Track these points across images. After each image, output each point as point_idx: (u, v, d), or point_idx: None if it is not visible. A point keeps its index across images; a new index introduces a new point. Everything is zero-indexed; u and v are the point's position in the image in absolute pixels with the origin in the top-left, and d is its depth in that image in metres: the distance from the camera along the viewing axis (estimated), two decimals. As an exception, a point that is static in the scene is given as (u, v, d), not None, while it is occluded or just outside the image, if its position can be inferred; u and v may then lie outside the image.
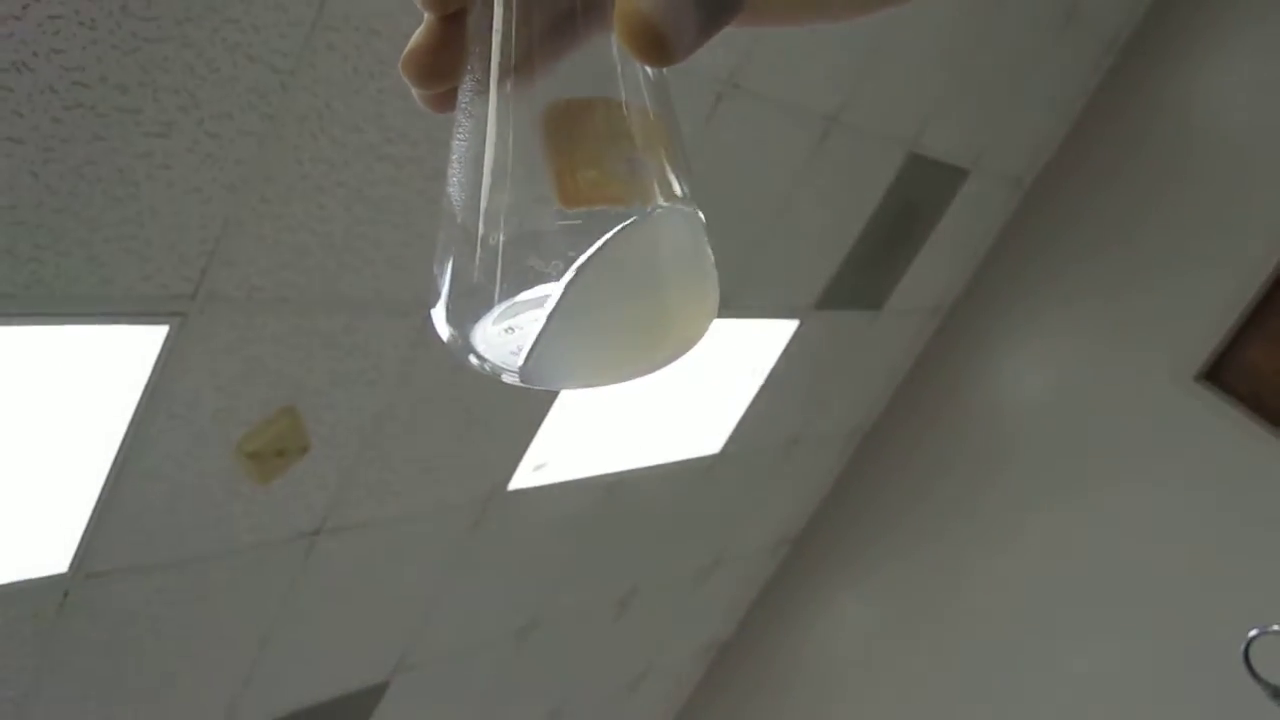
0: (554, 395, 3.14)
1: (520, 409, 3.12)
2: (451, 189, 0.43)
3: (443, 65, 0.43)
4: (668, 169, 0.42)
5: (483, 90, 0.42)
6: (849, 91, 3.37)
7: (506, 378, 0.43)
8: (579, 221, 0.40)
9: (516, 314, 0.41)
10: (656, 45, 0.37)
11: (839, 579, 5.26)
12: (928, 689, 4.97)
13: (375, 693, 3.54)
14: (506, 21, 0.41)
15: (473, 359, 0.44)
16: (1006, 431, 4.83)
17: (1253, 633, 3.23)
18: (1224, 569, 4.32)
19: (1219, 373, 4.43)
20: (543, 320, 0.41)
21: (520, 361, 0.42)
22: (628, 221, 0.41)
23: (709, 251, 0.44)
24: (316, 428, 2.57)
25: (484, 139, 0.42)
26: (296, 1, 1.91)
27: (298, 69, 1.98)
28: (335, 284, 2.36)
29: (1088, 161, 4.66)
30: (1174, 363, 4.45)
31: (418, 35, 0.43)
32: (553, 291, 0.40)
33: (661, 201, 0.42)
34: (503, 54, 0.41)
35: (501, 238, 0.41)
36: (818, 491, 5.25)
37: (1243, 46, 4.41)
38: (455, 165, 0.43)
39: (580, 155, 0.41)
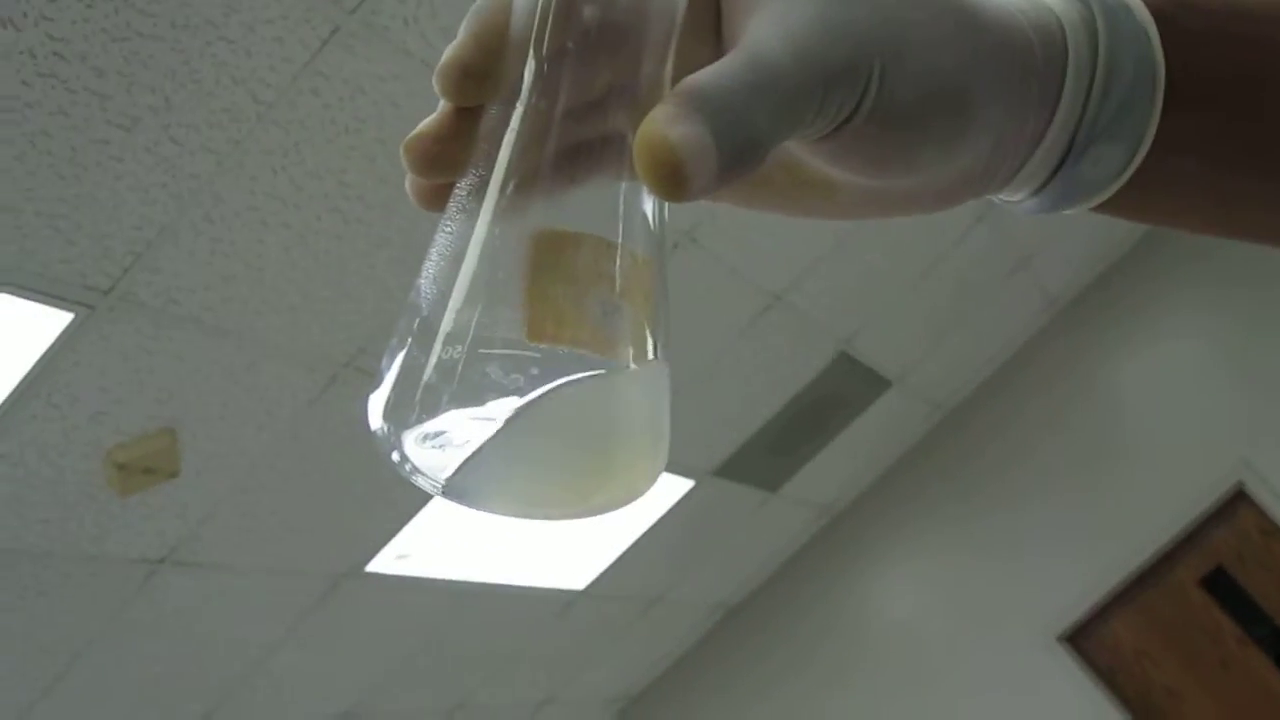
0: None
1: (399, 494, 3.07)
2: (424, 280, 0.41)
3: (447, 157, 0.42)
4: (645, 323, 0.41)
5: (481, 192, 0.41)
6: (799, 275, 3.44)
7: (424, 483, 0.41)
8: (542, 354, 0.39)
9: (456, 428, 0.39)
10: (675, 177, 0.35)
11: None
12: None
13: (170, 742, 3.39)
14: (522, 134, 0.40)
15: (395, 456, 0.41)
16: (867, 642, 4.84)
17: None
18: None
19: (1081, 639, 4.51)
20: (482, 439, 0.39)
21: (447, 474, 0.40)
22: (590, 372, 0.39)
23: (667, 415, 0.43)
24: (191, 456, 2.51)
25: (470, 241, 0.40)
26: (295, 41, 1.92)
27: (277, 103, 1.98)
28: (252, 319, 2.32)
29: (1005, 407, 4.77)
30: (1042, 619, 4.51)
31: (429, 120, 0.41)
32: (499, 415, 0.39)
33: (631, 361, 0.40)
34: (510, 164, 0.40)
35: (465, 345, 0.39)
36: (665, 659, 5.19)
37: (1166, 329, 4.57)
38: (434, 258, 0.41)
39: (559, 288, 0.39)
